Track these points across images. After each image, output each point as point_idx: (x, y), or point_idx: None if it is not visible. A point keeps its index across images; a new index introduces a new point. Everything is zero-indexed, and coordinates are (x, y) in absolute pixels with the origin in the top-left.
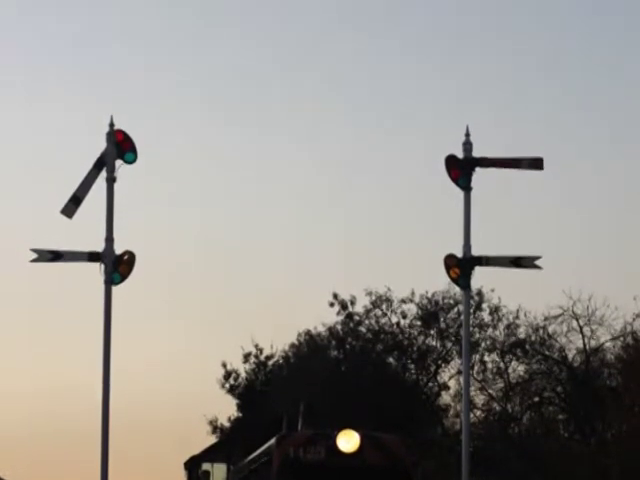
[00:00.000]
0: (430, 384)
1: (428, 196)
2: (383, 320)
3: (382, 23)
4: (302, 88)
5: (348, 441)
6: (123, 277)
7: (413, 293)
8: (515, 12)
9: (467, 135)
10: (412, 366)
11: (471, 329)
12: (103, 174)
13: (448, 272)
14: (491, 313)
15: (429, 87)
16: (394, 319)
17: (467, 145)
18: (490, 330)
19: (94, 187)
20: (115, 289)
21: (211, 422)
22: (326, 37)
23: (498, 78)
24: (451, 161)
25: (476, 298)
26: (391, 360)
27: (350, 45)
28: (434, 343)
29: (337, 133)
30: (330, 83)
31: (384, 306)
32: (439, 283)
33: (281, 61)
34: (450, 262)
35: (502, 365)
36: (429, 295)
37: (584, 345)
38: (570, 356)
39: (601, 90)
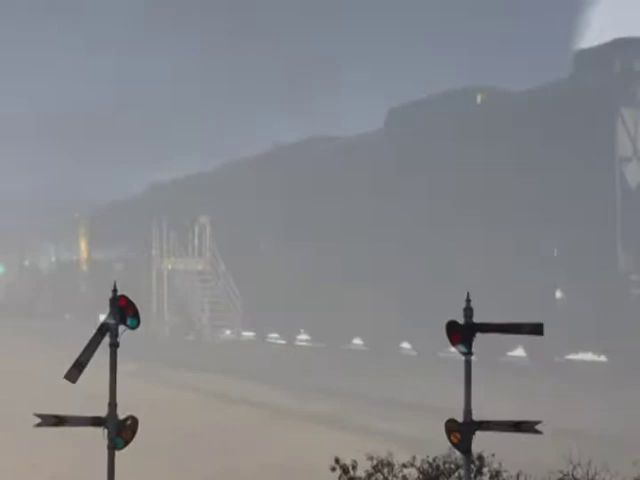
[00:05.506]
0: None
1: None
2: None
3: (382, 187)
4: (303, 233)
5: None
6: (126, 442)
7: (414, 457)
8: (512, 178)
9: (468, 301)
10: None
11: None
12: (106, 339)
13: (449, 437)
14: (492, 478)
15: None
16: None
17: (468, 311)
18: None
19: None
20: (118, 454)
21: None
22: (323, 189)
23: (496, 240)
24: (452, 327)
25: (477, 462)
26: None
27: (346, 193)
28: None
29: (337, 290)
30: (330, 224)
31: (385, 470)
32: (440, 448)
33: (282, 211)
34: (451, 427)
35: None
36: (430, 459)
37: None
38: None
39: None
